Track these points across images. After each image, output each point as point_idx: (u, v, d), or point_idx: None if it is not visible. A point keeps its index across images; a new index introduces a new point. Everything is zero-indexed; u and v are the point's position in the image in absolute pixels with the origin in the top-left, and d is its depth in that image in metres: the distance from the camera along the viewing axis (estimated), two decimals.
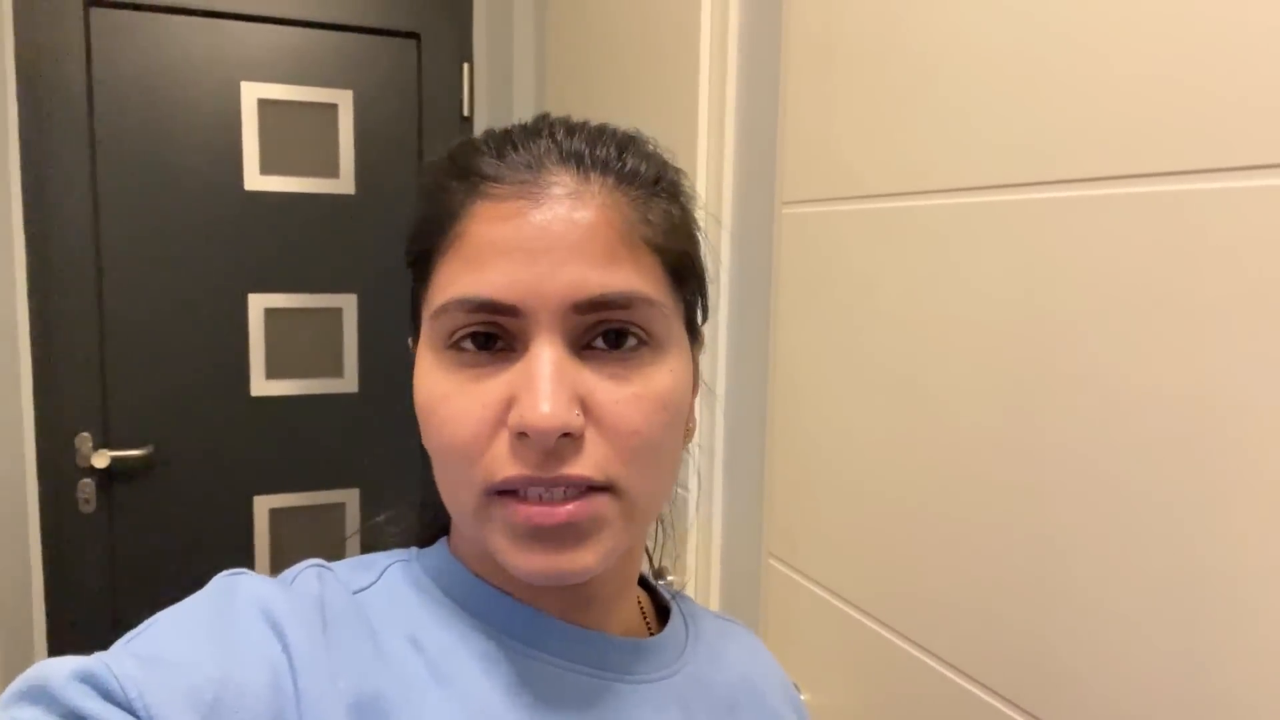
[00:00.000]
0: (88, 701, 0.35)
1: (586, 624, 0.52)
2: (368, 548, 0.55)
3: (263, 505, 2.00)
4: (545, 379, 0.42)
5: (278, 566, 2.03)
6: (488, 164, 0.47)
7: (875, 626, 0.89)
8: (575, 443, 0.43)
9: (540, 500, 0.43)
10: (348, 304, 2.03)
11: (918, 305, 0.82)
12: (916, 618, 0.83)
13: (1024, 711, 0.71)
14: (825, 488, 0.97)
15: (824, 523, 0.97)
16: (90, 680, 0.36)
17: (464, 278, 0.45)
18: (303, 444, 2.02)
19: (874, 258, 0.88)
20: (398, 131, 2.04)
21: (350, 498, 2.06)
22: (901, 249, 0.84)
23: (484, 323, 0.45)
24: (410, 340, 0.54)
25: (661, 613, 0.61)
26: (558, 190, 0.45)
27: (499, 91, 2.10)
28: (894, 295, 0.85)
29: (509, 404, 0.44)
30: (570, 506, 0.43)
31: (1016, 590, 0.72)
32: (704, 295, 0.54)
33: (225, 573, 0.47)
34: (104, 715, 0.35)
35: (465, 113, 2.08)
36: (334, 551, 2.13)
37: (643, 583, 0.61)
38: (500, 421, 0.44)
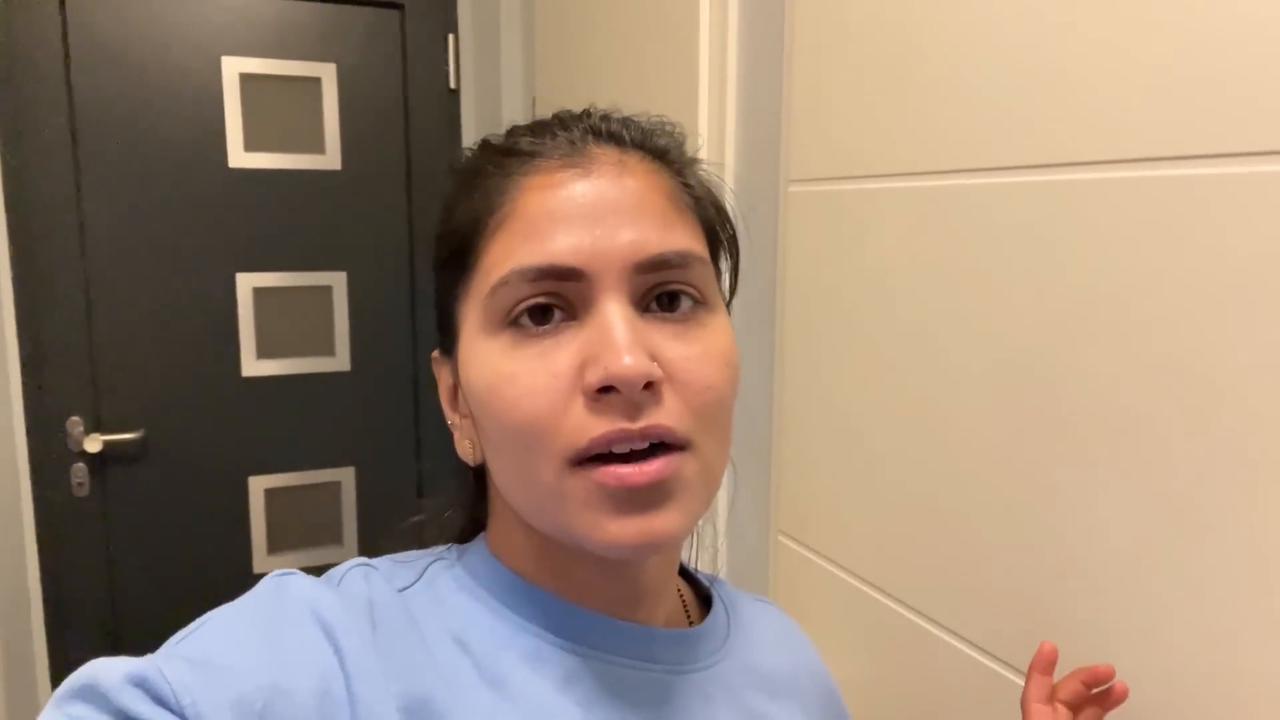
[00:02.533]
0: (139, 705, 0.35)
1: (634, 619, 0.52)
2: (368, 542, 0.55)
3: (258, 485, 2.00)
4: (621, 331, 0.43)
5: (275, 547, 2.03)
6: (528, 143, 0.48)
7: (887, 601, 0.90)
8: (655, 396, 0.43)
9: (625, 459, 0.43)
10: (337, 282, 2.01)
11: (926, 283, 0.82)
12: (927, 591, 0.84)
13: None
14: (834, 464, 0.97)
15: (833, 499, 0.98)
16: (143, 684, 0.36)
17: (522, 248, 0.45)
18: (296, 423, 2.01)
19: (883, 236, 0.88)
20: (383, 105, 2.01)
21: (346, 476, 2.06)
22: (911, 227, 0.84)
23: (546, 292, 0.44)
24: (434, 354, 0.53)
25: (699, 599, 0.62)
26: (604, 159, 0.47)
27: (486, 63, 2.07)
28: (903, 273, 0.85)
29: (580, 370, 0.43)
30: (657, 463, 0.43)
31: (1026, 562, 0.73)
32: (735, 271, 0.56)
33: (275, 573, 0.46)
34: None
35: (451, 85, 2.05)
36: (330, 530, 2.12)
37: (681, 571, 0.62)
38: (574, 389, 0.43)
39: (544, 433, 0.43)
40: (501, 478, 0.48)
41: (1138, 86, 0.62)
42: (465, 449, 0.52)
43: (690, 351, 0.45)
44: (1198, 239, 0.59)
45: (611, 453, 0.43)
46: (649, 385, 0.43)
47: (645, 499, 0.43)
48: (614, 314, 0.43)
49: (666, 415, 0.43)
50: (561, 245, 0.44)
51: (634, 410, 0.43)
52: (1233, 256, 0.57)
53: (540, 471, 0.44)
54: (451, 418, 0.53)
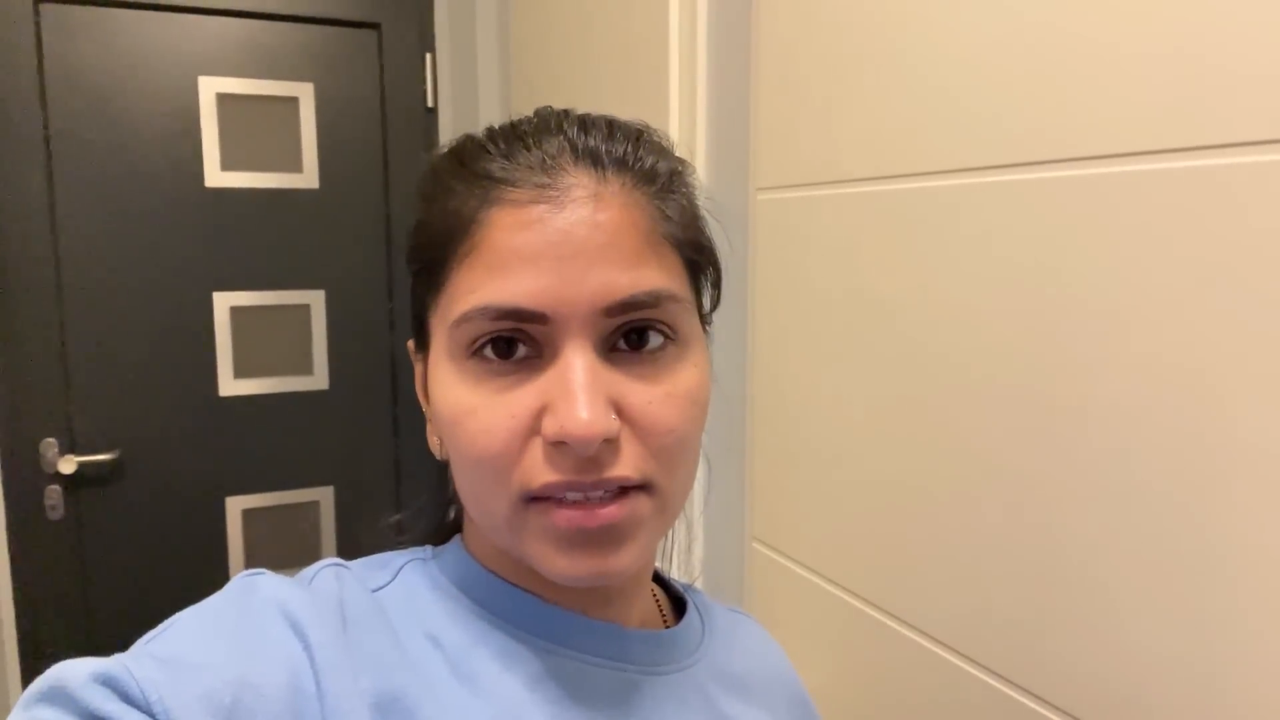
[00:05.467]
0: (107, 704, 0.35)
1: (606, 619, 0.52)
2: (352, 547, 0.55)
3: (235, 506, 1.98)
4: (582, 386, 0.42)
5: (252, 567, 2.01)
6: (499, 166, 0.46)
7: (862, 606, 0.90)
8: (612, 446, 0.43)
9: (579, 504, 0.43)
10: (315, 300, 2.01)
11: (896, 288, 0.83)
12: (903, 595, 0.85)
13: (1012, 684, 0.73)
14: (808, 470, 0.97)
15: (807, 505, 0.98)
16: (110, 682, 0.36)
17: (487, 285, 0.44)
18: (274, 443, 2.00)
19: (851, 241, 0.89)
20: (361, 124, 2.01)
21: (324, 495, 2.04)
22: (879, 232, 0.85)
23: (509, 330, 0.44)
24: (410, 344, 0.54)
25: (674, 605, 0.62)
26: (578, 192, 0.44)
27: (463, 82, 2.08)
28: (872, 278, 0.86)
29: (539, 413, 0.43)
30: (611, 508, 0.43)
31: (1003, 565, 0.73)
32: (719, 284, 0.55)
33: (244, 573, 0.46)
34: (122, 718, 0.35)
35: (429, 104, 2.05)
36: (309, 550, 2.10)
37: (655, 577, 0.62)
38: (532, 431, 0.43)
39: (499, 470, 0.44)
40: (463, 494, 0.49)
41: (1107, 83, 0.63)
42: (434, 443, 0.52)
43: (654, 394, 0.45)
44: (1175, 234, 0.59)
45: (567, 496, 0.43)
46: (606, 439, 0.43)
47: (598, 540, 0.44)
48: (576, 365, 0.43)
49: (623, 466, 0.43)
50: (527, 287, 0.43)
51: (589, 464, 0.43)
52: (1211, 251, 0.57)
53: (496, 502, 0.45)
54: (425, 408, 0.53)
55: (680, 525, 0.64)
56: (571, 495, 0.43)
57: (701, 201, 0.53)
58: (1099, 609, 0.65)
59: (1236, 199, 0.55)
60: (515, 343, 0.44)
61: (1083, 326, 0.65)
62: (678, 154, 0.52)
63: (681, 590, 0.62)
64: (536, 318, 0.43)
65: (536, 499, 0.44)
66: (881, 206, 0.84)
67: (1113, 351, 0.63)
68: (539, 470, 0.43)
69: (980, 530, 0.75)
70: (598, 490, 0.43)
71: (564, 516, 0.43)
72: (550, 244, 0.43)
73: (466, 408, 0.44)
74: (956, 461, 0.77)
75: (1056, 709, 0.68)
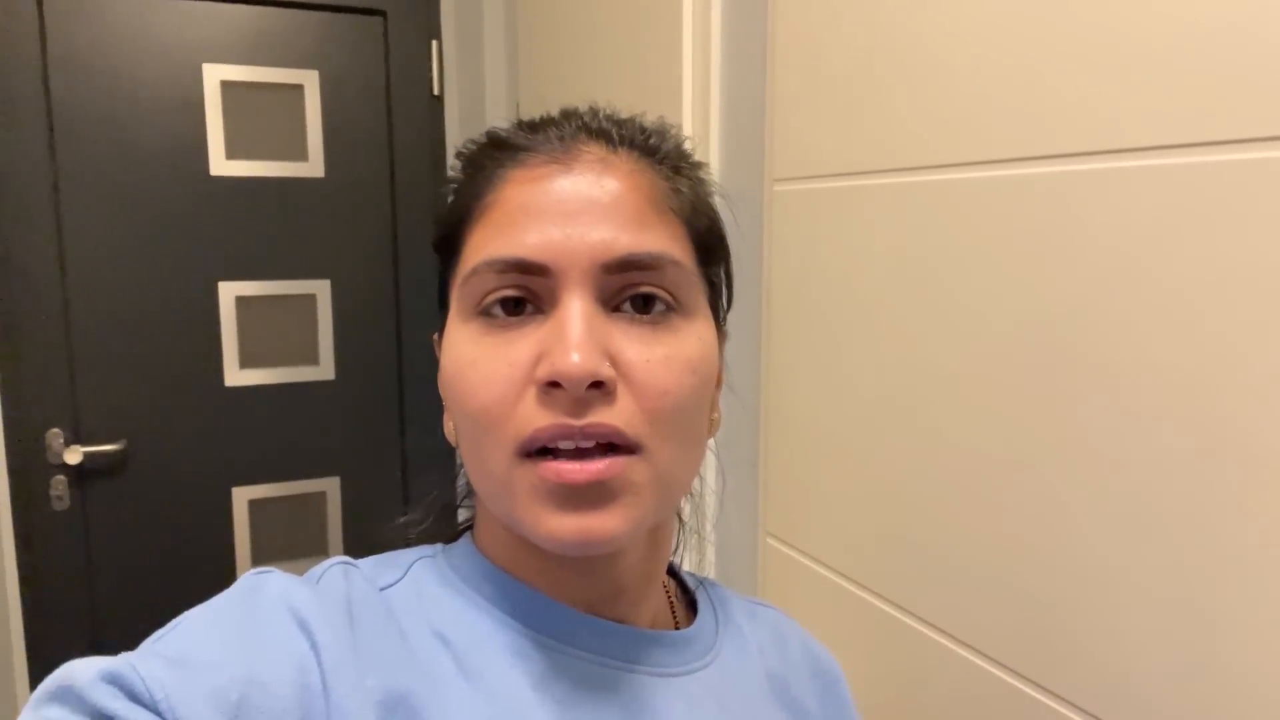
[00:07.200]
0: (114, 702, 0.35)
1: (615, 617, 0.51)
2: (354, 552, 0.54)
3: (241, 496, 1.98)
4: (576, 329, 0.43)
5: (259, 558, 2.01)
6: (519, 137, 0.49)
7: (876, 601, 0.89)
8: (606, 396, 0.43)
9: (573, 457, 0.43)
10: (321, 290, 2.00)
11: (913, 280, 0.82)
12: (916, 591, 0.84)
13: (1027, 680, 0.72)
14: (822, 465, 0.97)
15: (822, 500, 0.97)
16: (116, 681, 0.36)
17: (495, 240, 0.46)
18: (280, 433, 2.00)
19: (868, 234, 0.87)
20: (366, 112, 2.00)
21: (331, 486, 2.04)
22: (896, 224, 0.84)
23: (514, 285, 0.45)
24: (435, 335, 0.53)
25: (690, 601, 0.61)
26: (588, 158, 0.47)
27: (469, 69, 2.06)
28: (888, 270, 0.85)
29: (537, 361, 0.44)
30: (603, 463, 0.43)
31: (1015, 560, 0.72)
32: (729, 276, 0.55)
33: (252, 571, 0.46)
34: (129, 716, 0.35)
35: (435, 91, 2.04)
36: (315, 540, 2.10)
37: (670, 572, 0.61)
38: (528, 380, 0.44)
39: (495, 421, 0.44)
40: (466, 462, 0.49)
41: (1120, 77, 0.62)
42: (449, 429, 0.52)
43: (652, 355, 0.45)
44: (1185, 230, 0.58)
45: (560, 449, 0.43)
46: (599, 385, 0.43)
47: (586, 497, 0.43)
48: (573, 311, 0.44)
49: (615, 416, 0.43)
50: (531, 240, 0.44)
51: (579, 407, 0.43)
52: (1219, 248, 0.56)
53: (492, 460, 0.45)
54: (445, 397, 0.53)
55: (692, 518, 0.63)
56: (564, 445, 0.43)
57: (716, 199, 0.54)
58: (1116, 607, 0.64)
59: (1253, 196, 0.53)
60: (522, 302, 0.46)
61: (1103, 324, 0.64)
62: (694, 156, 0.54)
63: (694, 585, 0.62)
64: (538, 269, 0.44)
65: (530, 455, 0.44)
66: (901, 199, 0.83)
67: (1132, 350, 0.62)
68: (531, 417, 0.43)
69: (995, 527, 0.74)
70: (588, 440, 0.43)
71: (553, 469, 0.43)
72: (556, 201, 0.45)
73: (469, 360, 0.45)
74: (973, 458, 0.76)
75: (1074, 705, 0.68)
